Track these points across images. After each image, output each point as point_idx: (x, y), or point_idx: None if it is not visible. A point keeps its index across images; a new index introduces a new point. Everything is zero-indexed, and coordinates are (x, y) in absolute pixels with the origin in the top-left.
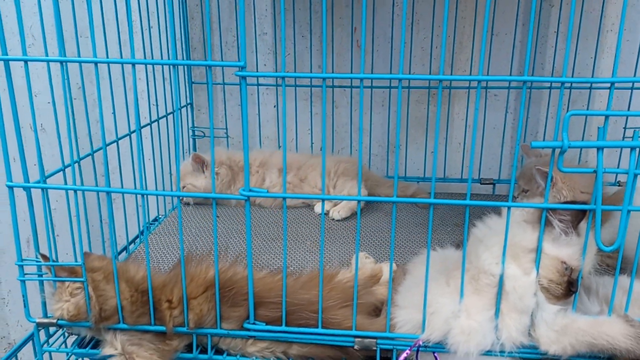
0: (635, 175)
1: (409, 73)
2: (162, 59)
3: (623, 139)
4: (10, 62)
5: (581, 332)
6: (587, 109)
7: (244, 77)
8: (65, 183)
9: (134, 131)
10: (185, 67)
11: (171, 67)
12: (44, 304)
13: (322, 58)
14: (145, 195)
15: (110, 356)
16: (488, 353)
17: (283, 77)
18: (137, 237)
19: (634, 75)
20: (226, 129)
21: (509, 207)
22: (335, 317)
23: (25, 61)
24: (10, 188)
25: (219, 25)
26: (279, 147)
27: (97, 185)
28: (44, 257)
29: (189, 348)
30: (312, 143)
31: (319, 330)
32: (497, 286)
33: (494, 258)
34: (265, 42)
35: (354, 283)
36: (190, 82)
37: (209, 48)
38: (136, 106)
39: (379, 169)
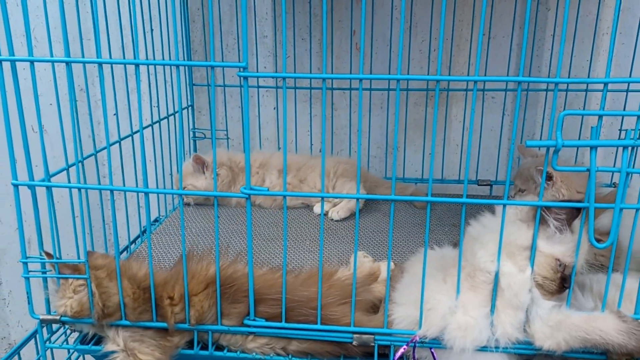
0: (628, 174)
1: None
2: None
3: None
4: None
5: (575, 328)
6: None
7: (245, 78)
8: (69, 182)
9: (136, 131)
10: (186, 69)
11: (172, 68)
12: (48, 301)
13: (322, 59)
14: (147, 194)
15: (113, 352)
16: (484, 349)
17: (284, 78)
18: (138, 236)
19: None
20: (226, 130)
21: (504, 205)
22: (334, 314)
23: (32, 62)
24: (16, 186)
25: (220, 28)
26: (279, 148)
27: (99, 183)
28: (47, 254)
29: (190, 344)
30: (311, 144)
31: (318, 326)
32: (493, 283)
33: (489, 256)
34: (266, 44)
35: (352, 280)
36: (191, 84)
37: (212, 49)
38: (139, 105)
39: (377, 171)
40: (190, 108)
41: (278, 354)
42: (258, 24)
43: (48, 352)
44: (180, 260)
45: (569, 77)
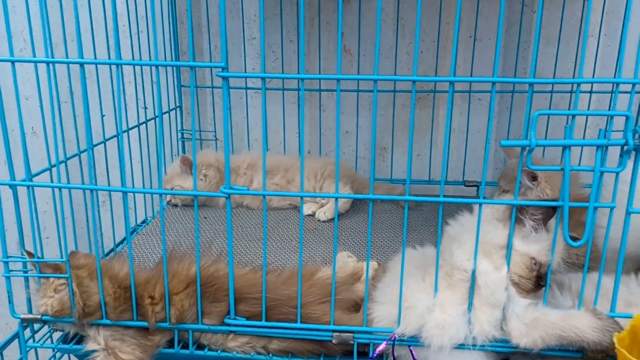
0: (602, 173)
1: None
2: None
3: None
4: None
5: (551, 325)
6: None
7: (225, 78)
8: (52, 182)
9: (118, 134)
10: (174, 70)
11: (152, 68)
12: (29, 300)
13: (300, 59)
14: (127, 193)
15: (94, 351)
16: (461, 346)
17: (263, 78)
18: (124, 239)
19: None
20: (215, 131)
21: (480, 204)
22: (314, 312)
23: (12, 62)
24: None
25: (208, 29)
26: (268, 149)
27: (83, 184)
28: (29, 254)
29: (170, 343)
30: (300, 146)
31: (298, 325)
32: (470, 281)
33: (466, 254)
34: (254, 46)
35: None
36: (179, 86)
37: (190, 48)
38: (119, 106)
39: (365, 172)
40: (178, 109)
41: (259, 353)
42: (246, 25)
43: (32, 354)
44: (162, 260)
45: (554, 79)
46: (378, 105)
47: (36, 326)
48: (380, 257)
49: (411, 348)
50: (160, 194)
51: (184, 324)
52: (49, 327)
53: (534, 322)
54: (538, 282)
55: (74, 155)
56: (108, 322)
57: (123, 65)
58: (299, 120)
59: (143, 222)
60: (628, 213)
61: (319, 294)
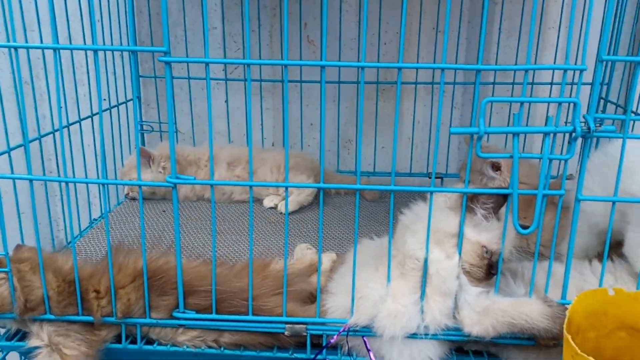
0: (550, 160)
1: None
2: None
3: None
4: None
5: (502, 313)
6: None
7: (168, 63)
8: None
9: (72, 123)
10: (131, 60)
11: (117, 58)
12: None
13: (246, 45)
14: (67, 183)
15: (37, 348)
16: (414, 336)
17: (206, 63)
18: (81, 231)
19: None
20: (175, 123)
21: (431, 193)
22: (266, 305)
23: None
24: None
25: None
26: (230, 141)
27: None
28: None
29: (118, 338)
30: (263, 138)
31: (249, 317)
32: (422, 270)
33: (419, 243)
34: (215, 36)
35: (291, 271)
36: (137, 76)
37: (131, 32)
38: (61, 92)
39: (331, 164)
40: (137, 100)
41: (210, 347)
42: (208, 15)
43: None
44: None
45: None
46: (342, 97)
47: None
48: (340, 249)
49: (365, 338)
50: (104, 184)
51: (131, 318)
52: None
53: (485, 310)
54: (489, 270)
55: (19, 145)
56: (52, 317)
57: (76, 55)
58: (246, 108)
59: (101, 217)
60: (577, 200)
61: (273, 285)
